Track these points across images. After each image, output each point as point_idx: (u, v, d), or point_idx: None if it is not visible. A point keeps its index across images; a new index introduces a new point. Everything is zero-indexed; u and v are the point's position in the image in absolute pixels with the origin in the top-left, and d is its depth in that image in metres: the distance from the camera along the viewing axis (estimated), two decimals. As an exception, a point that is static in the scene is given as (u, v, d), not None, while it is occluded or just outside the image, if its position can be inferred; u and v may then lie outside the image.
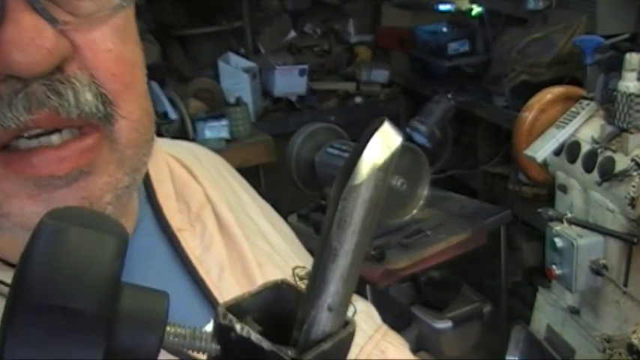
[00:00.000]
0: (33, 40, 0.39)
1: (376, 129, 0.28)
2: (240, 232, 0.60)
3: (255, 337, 0.30)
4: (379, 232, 1.96)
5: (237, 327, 0.30)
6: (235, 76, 3.02)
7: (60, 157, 0.43)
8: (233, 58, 3.14)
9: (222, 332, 0.30)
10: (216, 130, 2.70)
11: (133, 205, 0.55)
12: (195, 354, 0.32)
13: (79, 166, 0.44)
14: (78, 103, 0.43)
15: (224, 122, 2.73)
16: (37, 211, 0.43)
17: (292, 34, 3.50)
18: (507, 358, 1.71)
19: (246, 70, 3.04)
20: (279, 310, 0.32)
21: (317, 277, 0.30)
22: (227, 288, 0.55)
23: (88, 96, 0.43)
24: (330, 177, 2.00)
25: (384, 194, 0.29)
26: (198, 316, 0.54)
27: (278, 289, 0.33)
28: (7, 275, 0.46)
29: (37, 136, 0.43)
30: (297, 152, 2.06)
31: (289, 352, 0.30)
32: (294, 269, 0.63)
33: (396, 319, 2.00)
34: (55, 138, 0.43)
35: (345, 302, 0.31)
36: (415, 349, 2.05)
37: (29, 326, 0.26)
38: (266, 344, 0.30)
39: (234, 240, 0.59)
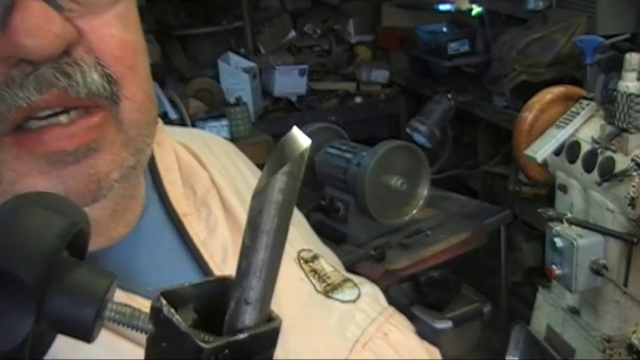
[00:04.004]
0: (41, 26, 0.42)
1: (286, 137, 0.31)
2: (245, 215, 0.61)
3: (176, 319, 0.32)
4: (379, 232, 1.96)
5: (165, 309, 0.33)
6: (235, 76, 3.02)
7: (69, 134, 0.46)
8: (233, 58, 3.14)
9: (154, 313, 0.33)
10: (216, 130, 2.70)
11: (140, 189, 0.56)
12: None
13: (87, 142, 0.46)
14: (85, 82, 0.45)
15: (224, 122, 2.73)
16: (49, 187, 0.46)
17: (292, 34, 3.50)
18: (507, 358, 1.71)
19: (246, 70, 3.04)
20: (221, 303, 0.34)
21: (236, 271, 0.32)
22: (230, 270, 0.56)
23: (94, 76, 0.46)
24: (330, 177, 2.00)
25: (294, 197, 0.31)
26: None
27: (222, 284, 0.35)
28: None
29: (47, 117, 0.45)
30: (297, 152, 2.06)
31: (205, 337, 0.32)
32: (299, 252, 0.64)
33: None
34: (63, 118, 0.45)
35: (263, 298, 0.32)
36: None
37: None
38: (183, 326, 0.32)
39: (238, 224, 0.60)
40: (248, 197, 0.66)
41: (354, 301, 0.63)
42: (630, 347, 1.33)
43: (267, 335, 0.34)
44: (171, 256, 0.56)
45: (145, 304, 0.48)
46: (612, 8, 2.15)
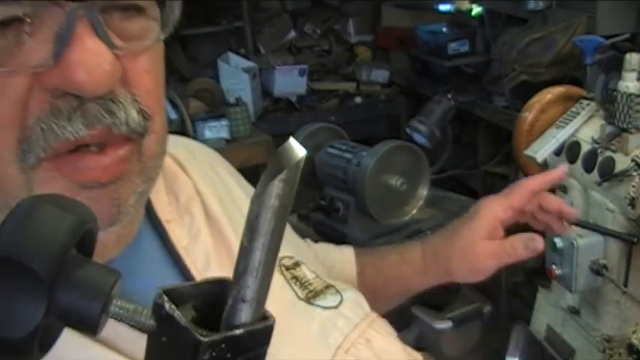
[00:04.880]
0: (96, 64, 0.44)
1: (283, 147, 0.34)
2: (228, 223, 0.61)
3: (177, 314, 0.34)
4: (379, 232, 1.96)
5: (166, 305, 0.34)
6: (235, 76, 3.02)
7: (104, 166, 0.48)
8: (233, 58, 3.14)
9: (156, 310, 0.35)
10: (216, 130, 2.70)
11: (141, 213, 0.58)
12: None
13: (118, 173, 0.49)
14: (128, 120, 0.47)
15: (224, 122, 2.73)
16: None
17: (292, 34, 3.50)
18: (507, 358, 1.71)
19: (246, 70, 3.04)
20: (219, 303, 0.36)
21: (234, 271, 0.35)
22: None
23: (134, 113, 0.48)
24: (330, 177, 2.00)
25: (289, 202, 0.33)
26: None
27: (222, 285, 0.37)
28: None
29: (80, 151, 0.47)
30: (297, 152, 2.06)
31: (203, 332, 0.34)
32: (280, 259, 0.64)
33: (396, 319, 2.00)
34: (93, 146, 0.47)
35: (259, 297, 0.35)
36: (415, 349, 2.04)
37: None
38: (183, 321, 0.34)
39: (221, 232, 0.61)
40: (230, 206, 0.67)
41: (336, 307, 0.63)
42: (630, 347, 1.33)
43: (262, 332, 0.36)
44: (153, 262, 0.56)
45: None
46: (612, 8, 2.15)
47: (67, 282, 0.33)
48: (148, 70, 0.50)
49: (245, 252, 0.34)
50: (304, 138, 2.07)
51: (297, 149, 0.35)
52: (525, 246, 0.80)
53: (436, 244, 0.86)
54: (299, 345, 0.58)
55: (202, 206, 0.62)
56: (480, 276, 0.85)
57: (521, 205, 0.83)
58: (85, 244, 0.35)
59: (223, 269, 0.58)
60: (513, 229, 0.87)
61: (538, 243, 0.79)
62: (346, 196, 1.96)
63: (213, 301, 0.36)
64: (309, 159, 2.13)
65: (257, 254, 0.34)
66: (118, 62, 0.46)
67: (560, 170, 0.89)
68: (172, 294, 0.35)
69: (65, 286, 0.33)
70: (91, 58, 0.43)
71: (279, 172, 0.33)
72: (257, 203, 0.33)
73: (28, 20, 0.43)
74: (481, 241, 0.81)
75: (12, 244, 0.32)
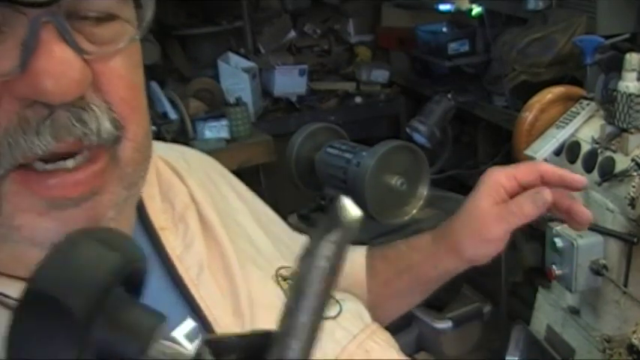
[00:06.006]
0: (63, 71, 0.42)
1: (337, 205, 0.33)
2: (224, 232, 0.61)
3: None
4: (379, 232, 1.96)
5: (208, 358, 0.34)
6: (235, 76, 3.02)
7: (75, 181, 0.46)
8: (233, 58, 3.14)
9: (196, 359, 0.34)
10: (216, 130, 2.70)
11: (132, 218, 0.57)
12: None
13: (90, 188, 0.47)
14: (99, 131, 0.46)
15: (224, 122, 2.73)
16: (48, 227, 0.46)
17: (292, 34, 3.50)
18: (507, 358, 1.71)
19: (246, 70, 3.04)
20: (262, 358, 0.35)
21: (277, 328, 0.34)
22: (205, 286, 0.56)
23: (106, 123, 0.46)
24: (330, 177, 2.00)
25: (339, 264, 0.32)
26: (175, 312, 0.55)
27: (267, 337, 0.36)
28: (6, 288, 0.46)
29: (55, 160, 0.46)
30: (297, 152, 2.06)
31: None
32: (277, 270, 0.63)
33: (396, 318, 2.00)
34: (70, 162, 0.46)
35: (301, 358, 0.34)
36: (415, 349, 2.05)
37: (28, 309, 0.32)
38: None
39: (216, 240, 0.60)
40: (225, 213, 0.67)
41: (334, 318, 0.62)
42: (630, 347, 1.33)
43: None
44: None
45: None
46: (612, 8, 2.15)
47: (106, 322, 0.32)
48: (121, 75, 0.48)
49: (289, 312, 0.33)
50: (304, 138, 2.07)
51: (352, 209, 0.33)
52: (533, 200, 0.71)
53: (444, 225, 0.80)
54: None
55: (198, 214, 0.61)
56: (490, 247, 0.75)
57: (526, 179, 0.76)
58: (133, 282, 0.35)
59: (217, 277, 0.58)
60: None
61: (546, 194, 0.70)
62: (346, 196, 1.96)
63: (256, 355, 0.35)
64: (309, 159, 2.13)
65: (302, 316, 0.33)
66: (88, 68, 0.45)
67: (581, 179, 0.76)
68: (215, 344, 0.34)
69: (103, 326, 0.32)
70: (58, 65, 0.42)
71: (330, 231, 0.32)
72: (304, 263, 0.32)
73: None
74: (485, 206, 0.75)
75: (50, 279, 0.32)
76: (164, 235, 0.58)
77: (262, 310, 0.58)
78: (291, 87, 3.24)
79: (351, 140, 2.10)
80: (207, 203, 0.63)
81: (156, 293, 0.55)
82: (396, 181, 1.89)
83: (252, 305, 0.58)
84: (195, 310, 0.55)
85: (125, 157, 0.49)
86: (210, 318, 0.55)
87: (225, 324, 0.56)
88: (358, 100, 3.34)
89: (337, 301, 0.64)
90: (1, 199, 0.45)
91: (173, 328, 0.54)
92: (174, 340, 0.53)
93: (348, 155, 1.94)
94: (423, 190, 1.97)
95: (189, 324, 0.55)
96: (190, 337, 0.54)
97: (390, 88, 3.39)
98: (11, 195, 0.45)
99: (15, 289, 0.46)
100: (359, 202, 1.94)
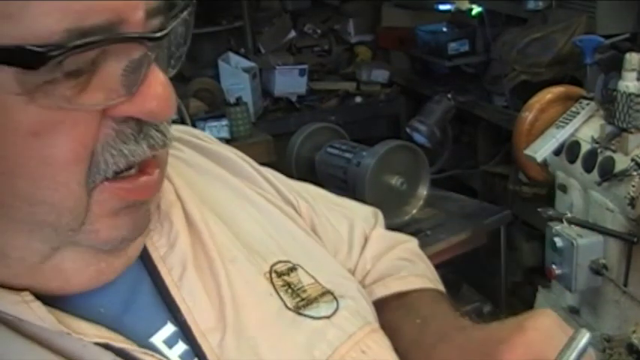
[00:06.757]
0: (167, 95, 0.47)
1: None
2: (207, 230, 0.60)
3: None
4: (379, 232, 1.96)
5: None
6: (235, 76, 3.02)
7: (149, 185, 0.50)
8: (233, 58, 3.14)
9: None
10: (216, 130, 2.70)
11: None
12: None
13: (157, 191, 0.52)
14: (171, 140, 0.51)
15: (224, 122, 2.73)
16: (119, 227, 0.50)
17: (292, 34, 3.50)
18: (507, 357, 1.70)
19: (246, 70, 3.04)
20: None
21: None
22: (188, 286, 0.57)
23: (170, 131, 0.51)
24: (330, 177, 2.00)
25: None
26: (156, 316, 0.54)
27: None
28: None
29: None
30: (297, 152, 2.06)
31: None
32: (272, 265, 0.62)
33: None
34: (134, 170, 0.49)
35: None
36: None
37: None
38: None
39: (200, 238, 0.59)
40: (213, 206, 0.66)
41: (328, 317, 0.60)
42: (630, 347, 1.33)
43: None
44: (129, 273, 0.55)
45: (88, 329, 0.49)
46: (612, 8, 2.15)
47: None
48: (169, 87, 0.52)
49: None
50: (304, 138, 2.07)
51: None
52: None
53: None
54: (283, 357, 0.56)
55: (183, 211, 0.61)
56: None
57: None
58: None
59: (202, 275, 0.57)
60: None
61: None
62: (346, 195, 1.96)
63: None
64: (309, 159, 2.13)
65: None
66: None
67: None
68: None
69: None
70: (162, 88, 0.47)
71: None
72: None
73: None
74: None
75: None
76: (149, 235, 0.57)
77: (249, 310, 0.57)
78: (291, 87, 3.24)
79: (351, 140, 2.10)
80: (192, 200, 0.62)
81: (137, 297, 0.55)
82: (396, 181, 1.89)
83: (238, 305, 0.57)
84: (175, 314, 0.55)
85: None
86: (189, 322, 0.55)
87: (206, 327, 0.55)
88: (358, 100, 3.34)
89: (335, 298, 0.62)
90: (89, 205, 0.47)
91: (153, 334, 0.54)
92: (152, 347, 0.53)
93: (348, 155, 1.94)
94: (423, 190, 1.97)
95: (168, 329, 0.54)
96: (169, 342, 0.54)
97: (390, 88, 3.39)
98: (98, 202, 0.47)
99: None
100: (359, 201, 1.94)
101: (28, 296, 0.48)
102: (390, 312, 0.71)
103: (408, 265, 0.77)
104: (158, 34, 0.46)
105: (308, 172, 2.05)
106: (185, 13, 0.50)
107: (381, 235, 0.80)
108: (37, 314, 0.48)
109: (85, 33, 0.41)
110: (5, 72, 0.41)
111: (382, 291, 0.73)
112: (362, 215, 0.83)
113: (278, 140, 2.65)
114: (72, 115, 0.44)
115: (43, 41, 0.40)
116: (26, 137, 0.43)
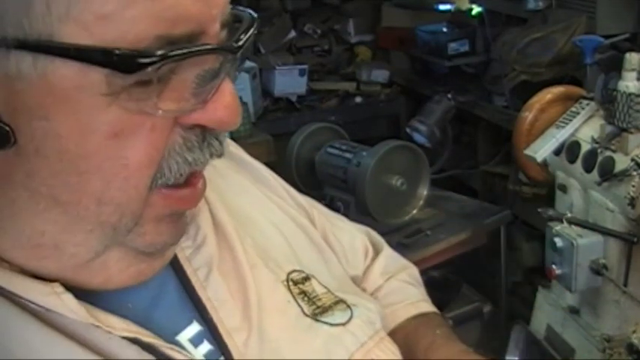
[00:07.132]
0: (235, 105, 0.48)
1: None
2: (235, 233, 0.61)
3: None
4: (379, 232, 1.95)
5: None
6: (235, 76, 3.02)
7: (194, 195, 0.51)
8: (233, 58, 3.13)
9: None
10: (216, 130, 2.70)
11: None
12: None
13: (199, 202, 0.53)
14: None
15: (224, 122, 2.73)
16: (164, 233, 0.51)
17: (292, 34, 3.50)
18: (507, 358, 1.71)
19: (246, 70, 3.04)
20: None
21: None
22: (213, 287, 0.57)
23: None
24: (330, 177, 2.00)
25: None
26: (182, 315, 0.55)
27: None
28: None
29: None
30: (297, 152, 2.06)
31: None
32: (289, 274, 0.63)
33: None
34: (182, 179, 0.49)
35: None
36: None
37: None
38: None
39: (227, 240, 0.61)
40: (236, 210, 0.67)
41: (344, 324, 0.62)
42: (630, 347, 1.33)
43: None
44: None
45: (116, 323, 0.50)
46: (612, 8, 2.15)
47: None
48: None
49: None
50: (304, 138, 2.07)
51: None
52: None
53: None
54: None
55: (210, 214, 0.62)
56: None
57: None
58: None
59: (227, 278, 0.58)
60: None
61: None
62: (346, 196, 1.96)
63: None
64: (309, 159, 2.13)
65: None
66: None
67: None
68: None
69: None
70: (232, 99, 0.48)
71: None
72: None
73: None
74: None
75: None
76: None
77: (271, 314, 0.58)
78: (292, 87, 3.24)
79: (351, 140, 2.10)
80: (218, 202, 0.63)
81: (164, 295, 0.55)
82: (396, 181, 1.89)
83: (261, 309, 0.58)
84: (201, 313, 0.56)
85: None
86: (216, 320, 0.56)
87: (232, 327, 0.56)
88: (358, 100, 3.34)
89: (348, 306, 0.64)
90: (145, 208, 0.48)
91: (179, 332, 0.54)
92: (178, 344, 0.53)
93: (348, 155, 1.94)
94: (423, 190, 1.97)
95: (194, 328, 0.55)
96: (195, 341, 0.55)
97: (390, 88, 3.39)
98: (150, 207, 0.48)
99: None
100: (359, 202, 1.95)
101: (58, 288, 0.48)
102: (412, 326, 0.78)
103: (416, 292, 0.84)
104: (237, 45, 0.47)
105: (308, 172, 2.05)
106: (254, 28, 0.52)
107: (390, 255, 0.87)
108: (67, 306, 0.48)
109: (172, 41, 0.42)
110: (98, 72, 0.41)
111: (405, 313, 0.79)
112: (362, 229, 0.90)
113: (278, 140, 2.65)
114: (150, 119, 0.44)
115: (134, 45, 0.41)
116: (106, 138, 0.43)
